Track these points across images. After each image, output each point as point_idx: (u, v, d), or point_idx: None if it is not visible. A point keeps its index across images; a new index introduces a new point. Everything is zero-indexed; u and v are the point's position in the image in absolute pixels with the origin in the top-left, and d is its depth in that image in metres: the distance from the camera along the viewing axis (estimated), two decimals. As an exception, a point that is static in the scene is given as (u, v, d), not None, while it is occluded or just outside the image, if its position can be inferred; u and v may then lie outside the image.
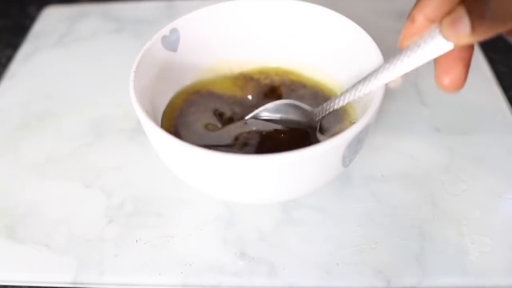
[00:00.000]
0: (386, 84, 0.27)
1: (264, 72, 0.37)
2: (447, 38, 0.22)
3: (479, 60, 0.43)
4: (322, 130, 0.32)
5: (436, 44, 0.23)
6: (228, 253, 0.31)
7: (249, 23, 0.35)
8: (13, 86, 0.45)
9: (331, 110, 0.30)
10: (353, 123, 0.29)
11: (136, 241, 0.32)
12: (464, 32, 0.21)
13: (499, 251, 0.30)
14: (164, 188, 0.35)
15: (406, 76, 0.41)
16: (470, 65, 0.24)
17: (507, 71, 0.42)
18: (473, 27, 0.21)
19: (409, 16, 0.24)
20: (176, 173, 0.29)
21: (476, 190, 0.33)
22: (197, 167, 0.27)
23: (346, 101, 0.29)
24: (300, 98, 0.35)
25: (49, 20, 0.52)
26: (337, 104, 0.30)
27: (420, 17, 0.24)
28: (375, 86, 0.27)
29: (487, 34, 0.21)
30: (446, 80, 0.24)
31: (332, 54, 0.35)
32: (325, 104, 0.31)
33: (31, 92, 0.44)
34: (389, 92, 0.40)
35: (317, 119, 0.32)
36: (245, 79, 0.36)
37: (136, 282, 0.30)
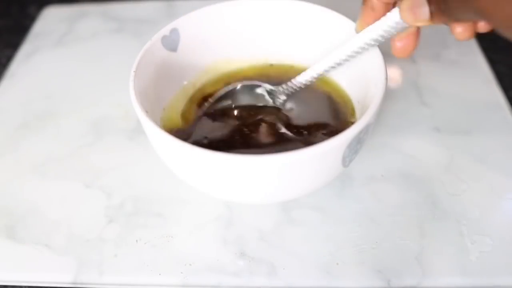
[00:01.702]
0: (386, 84, 0.27)
1: (265, 74, 0.37)
2: (405, 20, 0.25)
3: (479, 60, 0.43)
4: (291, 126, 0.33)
5: (393, 25, 0.26)
6: (228, 253, 0.31)
7: (249, 23, 0.35)
8: (13, 86, 0.45)
9: (293, 89, 0.33)
10: (353, 123, 0.29)
11: (136, 241, 0.32)
12: (422, 18, 0.24)
13: (499, 251, 0.30)
14: (164, 188, 0.35)
15: (406, 76, 0.42)
16: (419, 37, 0.28)
17: (507, 71, 0.42)
18: (432, 15, 0.24)
19: (366, 2, 0.27)
20: (176, 173, 0.29)
21: (476, 190, 0.33)
22: (197, 167, 0.27)
23: (307, 79, 0.32)
24: (300, 97, 0.35)
25: (49, 20, 0.52)
26: (298, 83, 0.32)
27: (379, 4, 0.27)
28: (338, 59, 0.30)
29: (442, 22, 0.24)
30: (398, 44, 0.28)
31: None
32: (287, 83, 0.33)
33: (31, 92, 0.44)
34: (389, 92, 0.40)
35: (281, 99, 0.33)
36: (244, 78, 0.36)
37: (136, 282, 0.30)
